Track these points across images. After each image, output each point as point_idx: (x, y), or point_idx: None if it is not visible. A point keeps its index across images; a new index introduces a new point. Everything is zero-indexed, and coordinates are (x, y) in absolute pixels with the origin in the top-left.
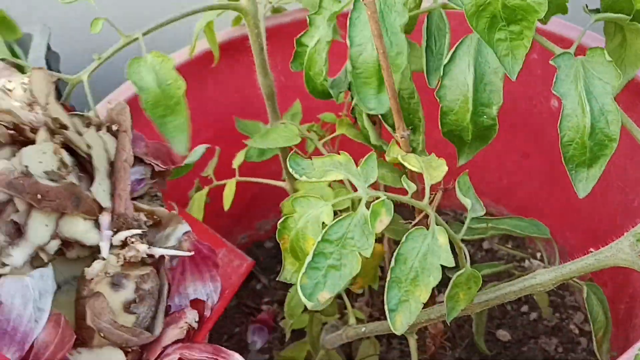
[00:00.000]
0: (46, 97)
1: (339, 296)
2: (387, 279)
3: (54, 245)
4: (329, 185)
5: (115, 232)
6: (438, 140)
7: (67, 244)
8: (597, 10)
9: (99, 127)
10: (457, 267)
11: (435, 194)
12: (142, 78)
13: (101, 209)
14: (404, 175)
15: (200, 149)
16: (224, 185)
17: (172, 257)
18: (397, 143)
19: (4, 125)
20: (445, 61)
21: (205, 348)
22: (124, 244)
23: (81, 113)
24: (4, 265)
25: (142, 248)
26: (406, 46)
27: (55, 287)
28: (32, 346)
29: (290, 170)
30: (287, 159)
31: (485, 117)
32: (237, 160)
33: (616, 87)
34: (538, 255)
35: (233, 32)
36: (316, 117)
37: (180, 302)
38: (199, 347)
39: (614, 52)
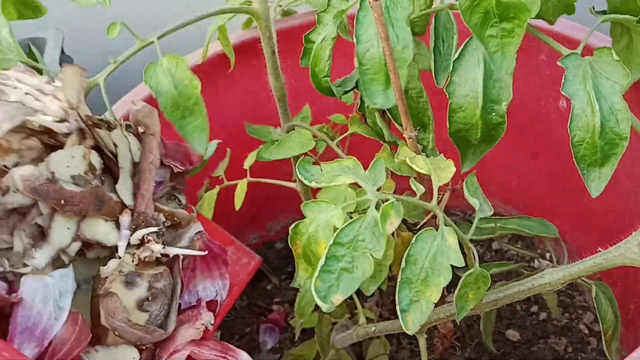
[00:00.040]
0: (78, 94)
1: (349, 296)
2: (398, 279)
3: (75, 247)
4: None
5: (135, 230)
6: (447, 140)
7: (87, 244)
8: (604, 12)
9: (113, 128)
10: (466, 267)
11: (443, 194)
12: (158, 82)
13: (122, 209)
14: (413, 178)
15: (214, 144)
16: (235, 185)
17: (185, 256)
18: (405, 143)
19: (34, 130)
20: (455, 57)
21: (214, 346)
22: (142, 243)
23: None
24: (25, 265)
25: (157, 248)
26: (412, 39)
27: (75, 286)
28: (50, 342)
29: (300, 176)
30: (296, 165)
31: (494, 114)
32: (249, 161)
33: (624, 86)
34: (547, 255)
35: (244, 35)
36: (326, 119)
37: (190, 299)
38: (208, 344)
39: (621, 54)
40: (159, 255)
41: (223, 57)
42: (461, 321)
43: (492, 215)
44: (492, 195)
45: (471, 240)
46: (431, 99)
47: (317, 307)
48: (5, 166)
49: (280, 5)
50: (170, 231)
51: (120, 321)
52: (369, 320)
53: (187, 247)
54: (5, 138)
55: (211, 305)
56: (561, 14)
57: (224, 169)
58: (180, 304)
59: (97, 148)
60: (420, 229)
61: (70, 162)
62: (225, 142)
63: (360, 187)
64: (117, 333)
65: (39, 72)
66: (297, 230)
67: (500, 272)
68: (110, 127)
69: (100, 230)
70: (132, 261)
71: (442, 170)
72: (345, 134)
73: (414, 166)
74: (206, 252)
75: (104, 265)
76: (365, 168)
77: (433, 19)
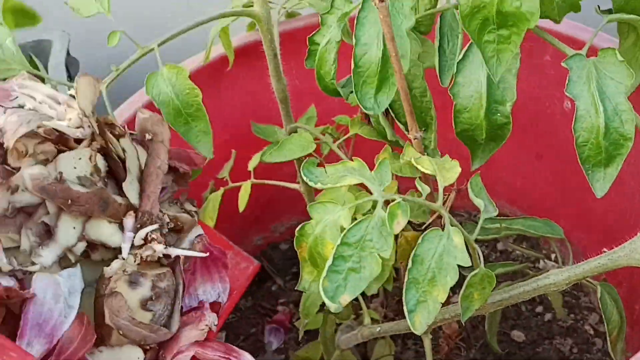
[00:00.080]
0: (91, 103)
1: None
2: (405, 280)
3: (81, 246)
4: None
5: (139, 228)
6: (452, 140)
7: (92, 246)
8: (609, 11)
9: (121, 136)
10: (471, 267)
11: (448, 195)
12: (160, 92)
13: (126, 212)
14: (418, 178)
15: None
16: (239, 187)
17: (185, 258)
18: (411, 143)
19: (48, 137)
20: (459, 58)
21: (218, 347)
22: (145, 243)
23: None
24: (33, 264)
25: (159, 248)
26: (409, 50)
27: (82, 286)
28: (57, 341)
29: (304, 178)
30: (301, 168)
31: (499, 114)
32: (253, 162)
33: (629, 86)
34: (552, 256)
35: (247, 37)
36: (331, 120)
37: (191, 302)
38: (212, 345)
39: (628, 51)
40: (161, 256)
41: (226, 60)
42: (466, 322)
43: (497, 215)
44: (497, 196)
45: (476, 241)
46: (434, 99)
47: (322, 308)
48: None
49: (285, 7)
50: (172, 235)
51: (125, 320)
52: (373, 320)
53: (188, 250)
54: (21, 142)
55: (214, 306)
56: (566, 13)
57: (229, 170)
58: (181, 307)
59: (103, 152)
60: (425, 229)
61: (77, 164)
62: (228, 144)
63: (360, 189)
64: (121, 332)
65: (42, 80)
66: (304, 231)
67: (505, 272)
68: (118, 133)
69: (104, 231)
70: (135, 260)
71: (448, 171)
72: (347, 136)
73: (419, 167)
74: (207, 254)
75: (108, 267)
76: (369, 168)
77: (438, 19)
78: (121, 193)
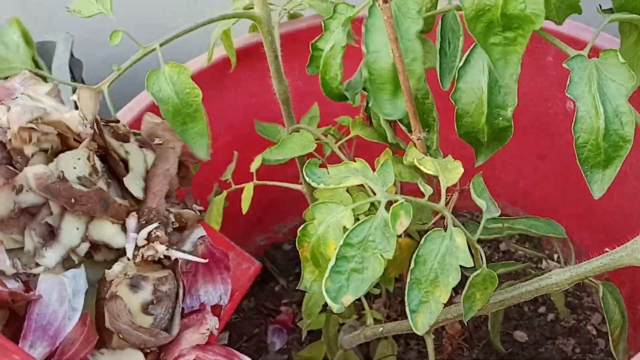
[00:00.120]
0: (93, 115)
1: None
2: (407, 280)
3: (84, 247)
4: (347, 191)
5: (144, 225)
6: (454, 141)
7: (95, 247)
8: (610, 10)
9: (125, 136)
10: (473, 267)
11: (451, 195)
12: (160, 90)
13: (128, 213)
14: (421, 178)
15: None
16: (242, 189)
17: (187, 260)
18: (414, 144)
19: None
20: (460, 64)
21: (219, 351)
22: (148, 242)
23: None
24: (37, 265)
25: (161, 249)
26: (421, 53)
27: (87, 286)
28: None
29: (307, 179)
30: (303, 168)
31: (500, 118)
32: (255, 164)
33: (630, 89)
34: (555, 256)
35: (250, 39)
36: (333, 121)
37: (192, 303)
38: (213, 349)
39: (629, 51)
40: (162, 257)
41: (228, 61)
42: (469, 322)
43: (500, 216)
44: (499, 197)
45: (479, 241)
46: (436, 101)
47: (324, 308)
48: (18, 161)
49: (285, 9)
50: (175, 233)
51: (125, 324)
52: (376, 321)
53: (190, 252)
54: (25, 131)
55: (216, 309)
56: (568, 15)
57: (232, 172)
58: (183, 308)
59: (103, 153)
60: (428, 230)
61: (76, 164)
62: (231, 146)
63: (360, 190)
64: (121, 336)
65: (44, 80)
66: (306, 232)
67: (507, 272)
68: (122, 133)
69: (107, 231)
70: (136, 260)
71: (450, 172)
72: (348, 137)
73: (422, 167)
74: (207, 260)
75: (110, 267)
76: (371, 169)
77: (440, 21)
78: (123, 195)
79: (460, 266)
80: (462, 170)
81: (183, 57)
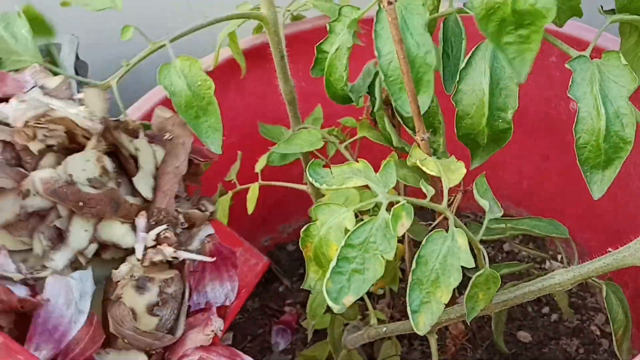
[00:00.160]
0: (100, 113)
1: (360, 298)
2: (409, 280)
3: (92, 248)
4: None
5: (154, 225)
6: (457, 142)
7: (103, 246)
8: (612, 11)
9: (135, 131)
10: (476, 268)
11: (455, 196)
12: (172, 82)
13: (138, 212)
14: (422, 179)
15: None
16: (247, 189)
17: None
18: (418, 145)
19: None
20: (462, 66)
21: (222, 351)
22: (157, 242)
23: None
24: (44, 268)
25: (169, 252)
26: (432, 44)
27: (94, 288)
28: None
29: (310, 179)
30: (307, 168)
31: (500, 120)
32: (260, 164)
33: (631, 90)
34: (559, 257)
35: (254, 40)
36: (336, 122)
37: (199, 300)
38: (217, 350)
39: (630, 52)
40: (170, 259)
41: (233, 62)
42: (472, 322)
43: (503, 216)
44: (503, 197)
45: (482, 242)
46: (442, 102)
47: (329, 309)
48: (27, 162)
49: (289, 10)
50: (184, 232)
51: (129, 329)
52: (380, 321)
53: (198, 250)
54: (30, 127)
55: (221, 310)
56: (569, 17)
57: (236, 172)
58: (189, 306)
59: (113, 151)
60: (431, 230)
61: (85, 166)
62: (236, 146)
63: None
64: (126, 341)
65: (54, 74)
66: (308, 232)
67: (510, 273)
68: (132, 129)
69: (116, 232)
70: (143, 263)
71: (453, 172)
72: (355, 137)
73: (424, 168)
74: (214, 259)
75: (119, 265)
76: (375, 171)
77: (442, 24)
78: (134, 192)
79: (463, 267)
80: (464, 171)
81: None
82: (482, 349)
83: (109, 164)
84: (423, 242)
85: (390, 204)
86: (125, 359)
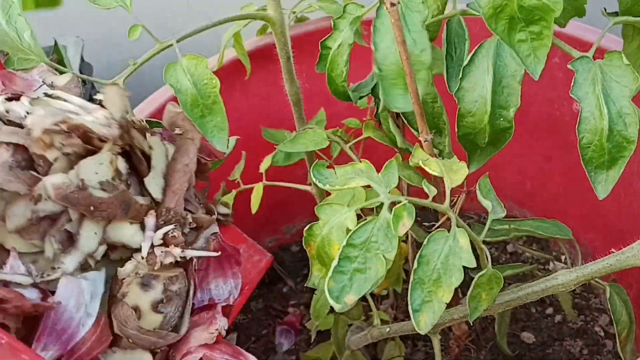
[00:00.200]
0: (121, 112)
1: (364, 299)
2: (411, 280)
3: (101, 250)
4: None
5: (162, 225)
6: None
7: (111, 246)
8: (615, 13)
9: (142, 130)
10: (479, 268)
11: (458, 196)
12: (178, 80)
13: (147, 212)
14: (425, 180)
15: (232, 140)
16: (251, 189)
17: (199, 257)
18: (421, 146)
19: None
20: (464, 63)
21: (225, 349)
22: (164, 242)
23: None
24: (54, 269)
25: (177, 252)
26: (429, 43)
27: (103, 290)
28: None
29: (314, 179)
30: (311, 169)
31: (502, 119)
32: (264, 164)
33: (634, 90)
34: (562, 258)
35: (259, 41)
36: (339, 123)
37: (203, 297)
38: (220, 347)
39: (633, 55)
40: (179, 259)
41: (238, 63)
42: (476, 323)
43: (507, 217)
44: (506, 198)
45: (486, 243)
46: (446, 104)
47: (332, 310)
48: (40, 165)
49: (294, 12)
50: (191, 232)
51: (133, 329)
52: (383, 322)
53: (203, 248)
54: (47, 134)
55: (225, 309)
56: (571, 17)
57: (240, 172)
58: (193, 304)
59: (125, 151)
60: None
61: (98, 169)
62: (241, 146)
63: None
64: (130, 340)
65: (61, 73)
66: (311, 232)
67: (514, 274)
68: (143, 129)
69: (126, 233)
70: (152, 264)
71: (455, 173)
72: (359, 138)
73: (426, 168)
74: (219, 253)
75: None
76: (378, 171)
77: (445, 26)
78: (143, 192)
79: (466, 267)
80: (466, 171)
81: None
82: (485, 350)
83: (122, 165)
84: (425, 242)
85: (393, 204)
86: (130, 358)
